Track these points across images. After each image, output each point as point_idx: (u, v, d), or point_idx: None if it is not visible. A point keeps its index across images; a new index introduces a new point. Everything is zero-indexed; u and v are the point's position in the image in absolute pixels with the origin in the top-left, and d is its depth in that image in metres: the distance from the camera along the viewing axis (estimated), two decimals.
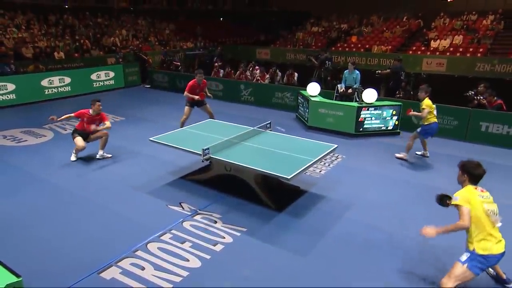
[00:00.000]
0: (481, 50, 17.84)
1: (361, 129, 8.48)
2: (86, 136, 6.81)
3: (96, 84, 13.18)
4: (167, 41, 20.78)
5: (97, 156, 6.94)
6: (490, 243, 3.14)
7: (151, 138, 6.04)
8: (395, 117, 8.57)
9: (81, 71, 13.15)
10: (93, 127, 6.84)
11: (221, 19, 28.01)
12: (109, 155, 7.05)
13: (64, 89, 12.29)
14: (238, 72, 13.03)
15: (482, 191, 3.31)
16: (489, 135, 8.15)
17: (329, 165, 6.77)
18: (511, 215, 5.10)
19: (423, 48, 19.09)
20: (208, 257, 4.08)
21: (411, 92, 10.79)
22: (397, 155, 7.14)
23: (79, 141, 6.64)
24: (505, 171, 6.67)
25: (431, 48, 18.83)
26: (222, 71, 13.51)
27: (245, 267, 3.97)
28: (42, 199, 5.44)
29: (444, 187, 5.80)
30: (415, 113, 6.80)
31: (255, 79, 12.37)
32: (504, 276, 3.63)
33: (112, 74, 13.67)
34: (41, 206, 5.23)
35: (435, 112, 6.82)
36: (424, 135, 6.94)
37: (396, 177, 6.41)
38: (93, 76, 13.10)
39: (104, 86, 13.38)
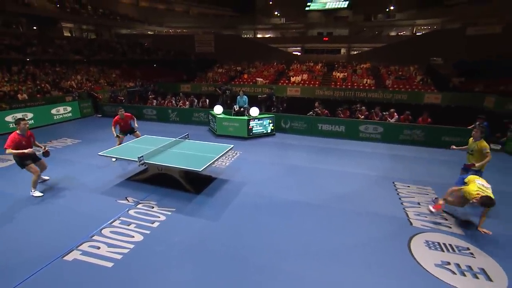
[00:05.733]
0: (317, 83, 20.21)
1: (251, 134, 8.61)
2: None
3: (56, 116, 10.98)
4: (114, 82, 18.55)
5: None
6: None
7: (99, 153, 5.30)
8: (271, 124, 8.86)
9: (43, 107, 10.85)
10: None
11: (155, 65, 26.26)
12: (47, 178, 5.44)
13: (28, 122, 10.00)
14: (166, 101, 12.27)
15: None
16: (324, 131, 8.90)
17: (231, 159, 6.78)
18: (342, 176, 5.85)
19: (287, 82, 20.62)
20: (148, 232, 3.83)
21: (280, 108, 11.57)
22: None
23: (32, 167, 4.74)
24: (337, 151, 7.46)
25: (291, 81, 20.53)
26: (155, 101, 12.56)
27: (175, 235, 3.79)
28: (8, 208, 4.44)
29: (300, 164, 6.41)
30: (480, 163, 4.32)
31: (178, 105, 11.81)
32: None
33: (69, 108, 11.57)
34: (8, 213, 4.30)
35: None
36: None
37: (273, 162, 6.58)
38: (53, 111, 10.92)
39: (63, 118, 11.25)
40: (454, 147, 4.87)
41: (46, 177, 5.43)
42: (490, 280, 3.07)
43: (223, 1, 36.11)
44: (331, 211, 4.46)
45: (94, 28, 28.34)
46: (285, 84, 20.19)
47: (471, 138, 4.61)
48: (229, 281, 3.01)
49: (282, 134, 9.09)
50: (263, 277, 3.07)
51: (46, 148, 4.97)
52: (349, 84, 19.26)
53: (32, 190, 4.80)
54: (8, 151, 4.45)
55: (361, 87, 18.59)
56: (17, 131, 4.64)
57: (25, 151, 4.55)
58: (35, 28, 22.22)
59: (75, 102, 12.14)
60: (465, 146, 4.73)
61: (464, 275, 3.14)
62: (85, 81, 16.91)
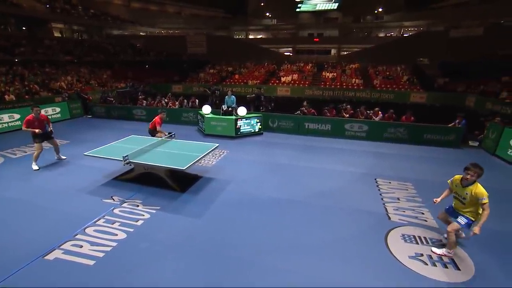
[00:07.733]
0: (307, 83, 20.37)
1: (239, 133, 8.56)
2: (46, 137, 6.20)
3: None
4: (105, 83, 18.26)
5: (56, 158, 6.56)
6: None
7: (85, 153, 5.22)
8: (258, 123, 8.84)
9: (30, 108, 10.65)
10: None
11: (147, 66, 25.94)
12: (64, 157, 6.62)
13: (14, 123, 9.81)
14: (156, 101, 12.17)
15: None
16: (310, 130, 8.94)
17: (218, 158, 6.76)
18: (326, 173, 5.92)
19: (277, 82, 20.73)
20: (131, 230, 3.80)
21: (269, 108, 11.55)
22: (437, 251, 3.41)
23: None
24: (321, 149, 7.52)
25: (282, 81, 20.67)
26: (145, 102, 12.45)
27: (159, 232, 3.76)
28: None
29: (285, 163, 6.43)
30: (480, 222, 3.04)
31: (168, 105, 11.72)
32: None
33: (58, 109, 11.37)
34: None
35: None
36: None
37: (259, 160, 6.55)
38: (42, 112, 10.58)
39: (52, 119, 10.85)
40: (437, 200, 3.50)
41: (64, 157, 6.62)
42: (458, 269, 3.17)
43: (215, 3, 36.00)
44: (314, 207, 4.50)
45: (85, 29, 27.90)
46: (275, 84, 20.29)
47: (456, 179, 3.30)
48: (212, 276, 3.02)
49: (270, 133, 9.09)
50: (246, 272, 3.09)
51: (50, 129, 6.34)
52: (338, 84, 19.45)
53: (33, 164, 6.02)
54: (24, 128, 5.96)
55: (350, 86, 18.82)
56: (33, 114, 6.01)
57: (31, 130, 5.97)
58: (24, 28, 21.75)
59: (64, 103, 11.93)
60: (446, 190, 3.50)
61: (435, 265, 3.23)
62: (76, 82, 16.65)
